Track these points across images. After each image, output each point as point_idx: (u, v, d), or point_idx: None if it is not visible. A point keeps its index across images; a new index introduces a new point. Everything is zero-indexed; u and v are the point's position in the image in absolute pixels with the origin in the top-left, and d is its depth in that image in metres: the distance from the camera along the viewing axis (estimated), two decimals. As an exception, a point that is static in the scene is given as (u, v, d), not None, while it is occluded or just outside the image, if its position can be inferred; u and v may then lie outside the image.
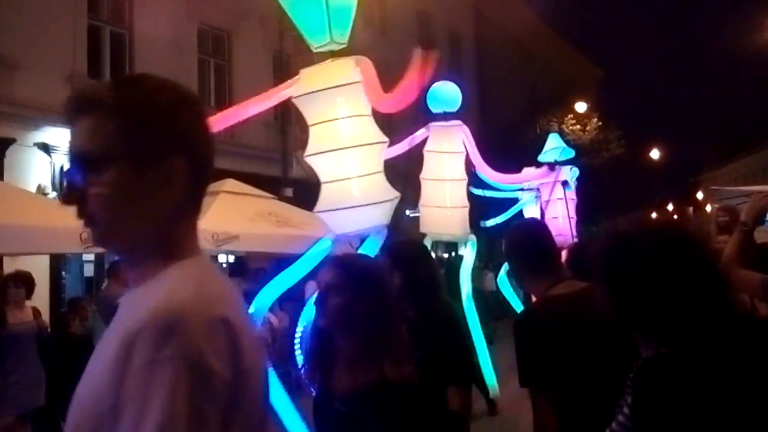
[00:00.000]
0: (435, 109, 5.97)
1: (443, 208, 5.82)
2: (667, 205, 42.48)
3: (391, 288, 2.01)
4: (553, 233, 9.41)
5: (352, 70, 3.58)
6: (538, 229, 2.50)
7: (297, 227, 7.24)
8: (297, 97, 3.68)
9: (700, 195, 44.47)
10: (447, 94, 5.98)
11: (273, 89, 3.95)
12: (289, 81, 3.84)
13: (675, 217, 41.16)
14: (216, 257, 10.15)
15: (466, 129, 5.86)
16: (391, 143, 4.20)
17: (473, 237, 5.88)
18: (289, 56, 12.79)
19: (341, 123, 3.59)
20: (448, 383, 2.45)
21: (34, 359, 5.36)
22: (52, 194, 9.89)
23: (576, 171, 8.13)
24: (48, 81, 9.90)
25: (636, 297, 1.35)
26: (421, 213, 5.99)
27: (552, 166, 8.06)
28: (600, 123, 22.84)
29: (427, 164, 5.95)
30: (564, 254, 8.62)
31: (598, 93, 32.20)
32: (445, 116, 5.86)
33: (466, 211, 5.93)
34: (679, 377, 1.27)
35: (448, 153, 5.82)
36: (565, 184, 7.80)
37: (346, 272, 1.93)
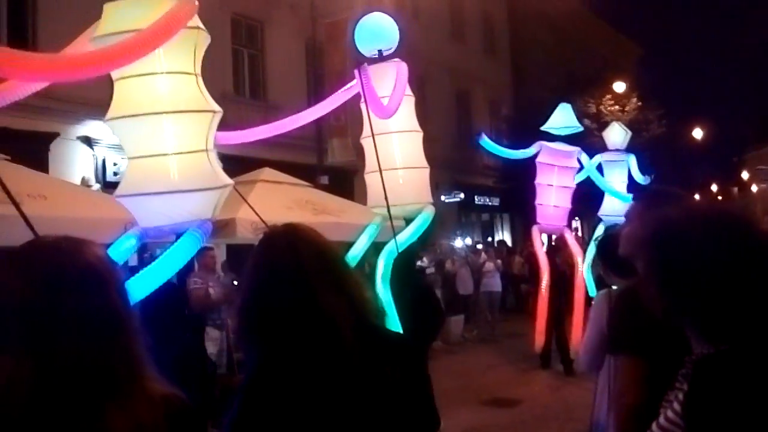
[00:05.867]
0: (366, 50, 4.66)
1: (393, 170, 4.43)
2: (710, 185, 41.30)
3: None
4: (544, 221, 8.78)
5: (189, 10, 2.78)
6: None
7: (334, 215, 7.29)
8: (96, 38, 2.78)
9: (745, 175, 43.09)
10: (377, 28, 4.62)
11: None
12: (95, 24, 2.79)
13: (719, 198, 40.02)
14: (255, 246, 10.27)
15: (402, 66, 4.49)
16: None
17: (431, 208, 4.56)
18: (321, 44, 12.81)
19: (158, 80, 2.74)
20: None
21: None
22: (96, 186, 10.16)
23: (581, 154, 7.50)
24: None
25: (691, 289, 1.23)
26: (368, 185, 4.69)
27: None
28: (639, 103, 22.28)
29: (365, 120, 4.59)
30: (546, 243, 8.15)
31: (637, 71, 31.40)
32: (382, 57, 4.56)
33: (426, 173, 4.60)
34: (740, 376, 1.18)
35: (390, 97, 4.46)
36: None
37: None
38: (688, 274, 1.24)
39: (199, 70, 2.89)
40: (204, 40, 2.96)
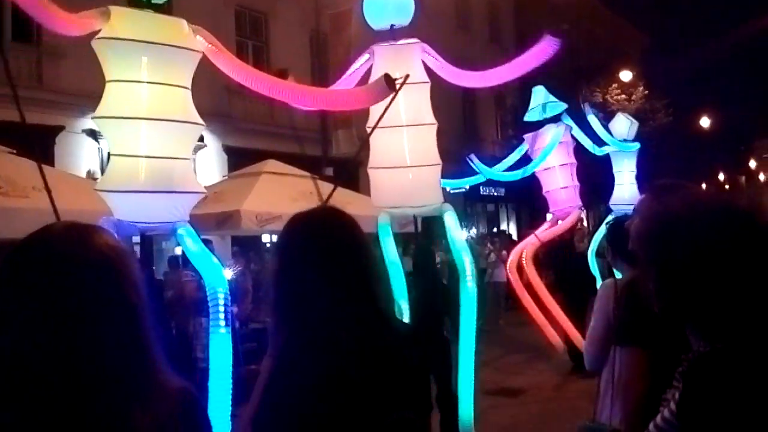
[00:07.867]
0: (377, 23, 4.10)
1: (403, 169, 4.02)
2: (718, 174, 41.07)
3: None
4: (556, 207, 8.63)
5: (183, 34, 3.01)
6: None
7: (338, 206, 7.30)
8: (100, 38, 3.00)
9: (752, 163, 42.85)
10: None
11: (76, 16, 3.01)
12: (98, 10, 3.00)
13: (726, 186, 39.83)
14: (260, 237, 10.32)
15: (426, 47, 4.00)
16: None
17: (449, 206, 4.16)
18: (326, 35, 12.76)
19: (141, 88, 2.97)
20: None
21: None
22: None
23: (562, 127, 7.30)
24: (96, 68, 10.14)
25: (690, 285, 1.18)
26: (372, 180, 4.27)
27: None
28: (646, 92, 22.15)
29: (372, 110, 3.98)
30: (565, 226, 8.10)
31: (643, 61, 31.18)
32: (394, 33, 4.02)
33: (438, 170, 4.09)
34: (735, 375, 1.13)
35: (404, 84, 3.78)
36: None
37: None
38: (689, 271, 1.19)
39: (188, 84, 3.08)
40: (195, 61, 3.17)
